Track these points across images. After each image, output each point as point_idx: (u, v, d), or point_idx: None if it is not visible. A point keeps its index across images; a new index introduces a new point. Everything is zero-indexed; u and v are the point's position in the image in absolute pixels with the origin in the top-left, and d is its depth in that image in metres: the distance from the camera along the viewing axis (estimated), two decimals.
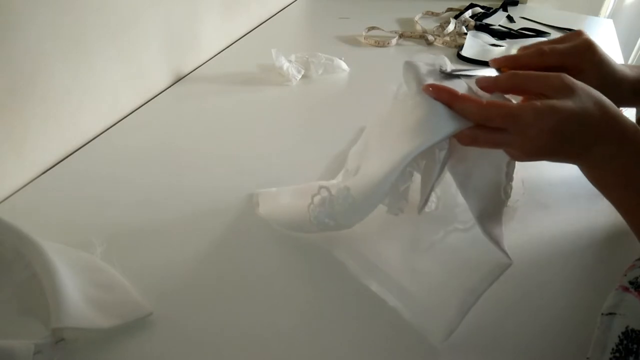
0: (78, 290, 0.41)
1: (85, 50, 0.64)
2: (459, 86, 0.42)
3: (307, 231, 0.49)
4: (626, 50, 1.59)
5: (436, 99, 0.39)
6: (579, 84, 0.39)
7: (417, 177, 0.44)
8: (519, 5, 1.31)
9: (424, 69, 0.42)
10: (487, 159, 0.42)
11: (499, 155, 0.42)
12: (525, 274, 0.49)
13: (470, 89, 0.43)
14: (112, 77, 0.71)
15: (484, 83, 0.42)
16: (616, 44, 1.10)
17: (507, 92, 0.42)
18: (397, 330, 0.43)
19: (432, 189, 0.41)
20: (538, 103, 0.38)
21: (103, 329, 0.40)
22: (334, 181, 0.49)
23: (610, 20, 1.24)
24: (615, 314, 0.35)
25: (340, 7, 1.24)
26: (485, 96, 0.42)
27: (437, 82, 0.41)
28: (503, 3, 1.31)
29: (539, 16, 1.18)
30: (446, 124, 0.38)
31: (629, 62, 1.84)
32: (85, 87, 0.66)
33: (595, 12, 1.56)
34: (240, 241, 0.52)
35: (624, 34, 1.47)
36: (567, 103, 0.38)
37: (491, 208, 0.42)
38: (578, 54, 0.45)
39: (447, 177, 0.44)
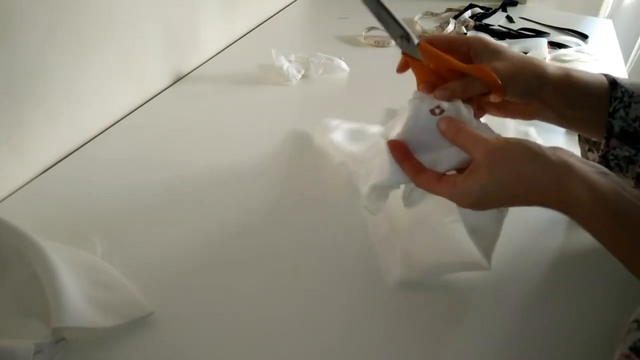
0: (78, 289, 0.41)
1: (84, 50, 0.64)
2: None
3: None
4: (625, 50, 1.59)
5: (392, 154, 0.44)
6: (500, 161, 0.39)
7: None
8: (518, 5, 1.31)
9: (414, 112, 0.45)
10: None
11: None
12: (525, 273, 0.49)
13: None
14: (111, 76, 0.70)
15: (440, 126, 0.44)
16: (615, 45, 1.10)
17: (451, 140, 0.44)
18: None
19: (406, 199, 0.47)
20: (453, 185, 0.41)
21: (104, 329, 0.40)
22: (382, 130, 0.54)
23: (610, 21, 1.24)
24: None
25: (340, 7, 1.24)
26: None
27: (424, 124, 0.45)
28: (502, 3, 1.31)
29: (538, 16, 1.18)
30: (402, 175, 0.44)
31: (628, 62, 1.84)
32: (84, 87, 0.66)
33: (595, 12, 1.57)
34: (240, 241, 0.52)
35: (623, 34, 1.47)
36: (480, 186, 0.39)
37: (483, 220, 0.45)
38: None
39: None
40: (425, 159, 0.45)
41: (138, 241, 0.51)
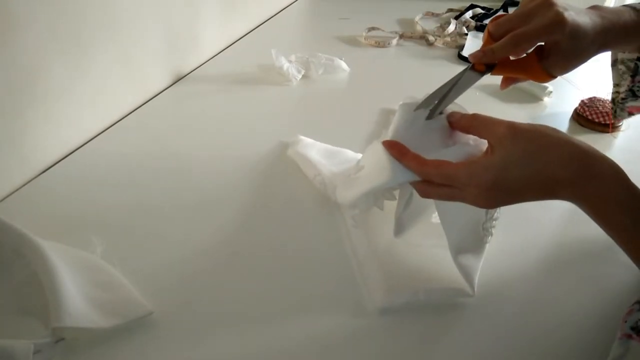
0: (78, 289, 0.41)
1: (85, 50, 0.64)
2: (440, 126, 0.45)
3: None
4: None
5: (390, 153, 0.43)
6: (524, 130, 0.38)
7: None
8: (519, 5, 1.31)
9: (408, 115, 0.45)
10: None
11: None
12: (525, 273, 0.49)
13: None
14: (111, 76, 0.71)
15: (451, 119, 0.44)
16: None
17: (466, 132, 0.43)
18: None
19: (399, 219, 0.46)
20: (471, 162, 0.39)
21: (103, 329, 0.40)
22: (358, 155, 0.56)
23: None
24: None
25: (340, 8, 1.24)
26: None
27: (418, 123, 0.44)
28: (503, 4, 1.31)
29: None
30: (403, 173, 0.42)
31: None
32: (84, 87, 0.66)
33: None
34: (239, 240, 0.52)
35: None
36: (502, 157, 0.38)
37: (468, 241, 0.46)
38: (550, 32, 0.45)
39: None
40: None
41: (138, 241, 0.51)
